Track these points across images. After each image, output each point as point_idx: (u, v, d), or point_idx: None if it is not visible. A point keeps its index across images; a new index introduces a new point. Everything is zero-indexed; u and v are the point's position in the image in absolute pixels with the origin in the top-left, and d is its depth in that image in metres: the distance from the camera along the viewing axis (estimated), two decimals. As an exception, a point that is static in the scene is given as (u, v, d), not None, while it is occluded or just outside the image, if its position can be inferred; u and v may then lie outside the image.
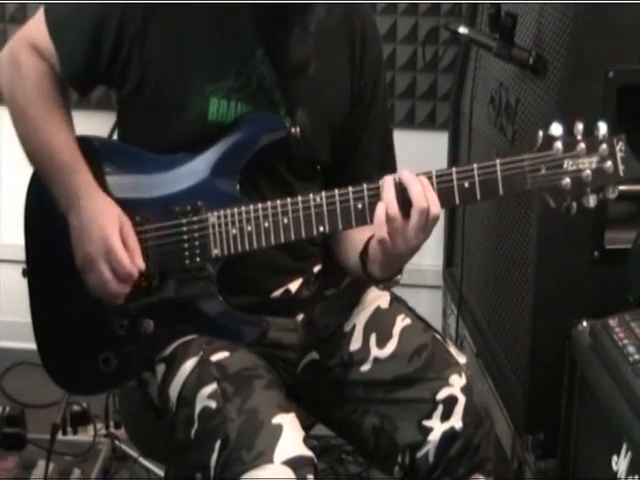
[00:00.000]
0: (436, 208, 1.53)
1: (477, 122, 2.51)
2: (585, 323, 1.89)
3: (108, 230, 1.61)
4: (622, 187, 2.01)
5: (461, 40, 2.41)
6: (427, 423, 1.68)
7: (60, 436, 2.55)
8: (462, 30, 2.23)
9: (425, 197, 1.52)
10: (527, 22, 2.14)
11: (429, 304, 2.98)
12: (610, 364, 1.74)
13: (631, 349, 1.71)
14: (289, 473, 1.49)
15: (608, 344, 1.75)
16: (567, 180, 1.55)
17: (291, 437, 1.53)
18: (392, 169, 1.84)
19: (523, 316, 2.11)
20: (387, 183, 1.55)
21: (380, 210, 1.53)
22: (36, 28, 1.69)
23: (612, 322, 1.79)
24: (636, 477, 1.61)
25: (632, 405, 1.64)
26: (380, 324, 1.79)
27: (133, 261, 1.61)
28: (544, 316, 2.01)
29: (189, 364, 1.65)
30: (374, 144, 1.82)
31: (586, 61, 1.88)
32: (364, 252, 1.65)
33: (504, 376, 2.26)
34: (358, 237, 1.69)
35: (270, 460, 1.49)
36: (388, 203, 1.53)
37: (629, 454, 1.64)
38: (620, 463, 1.67)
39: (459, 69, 2.72)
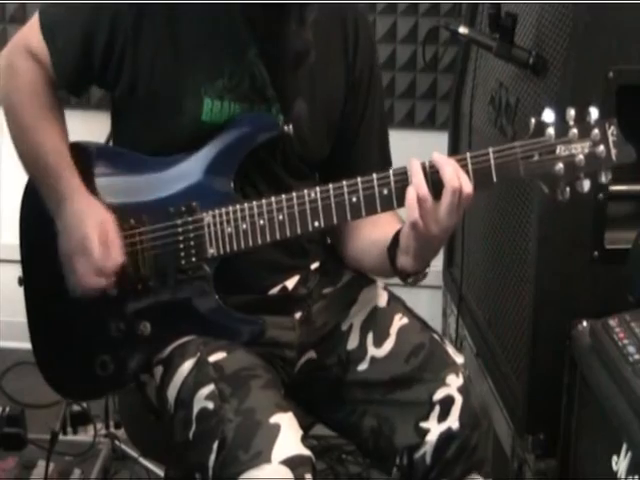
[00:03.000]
0: (469, 187, 1.53)
1: (477, 122, 2.50)
2: (585, 323, 1.89)
3: (88, 230, 1.61)
4: (622, 187, 2.03)
5: (461, 40, 2.40)
6: (424, 425, 1.68)
7: (60, 436, 2.55)
8: (462, 30, 2.22)
9: (458, 177, 1.52)
10: (527, 22, 2.14)
11: (429, 304, 2.98)
12: (610, 364, 1.74)
13: (631, 349, 1.71)
14: (287, 472, 1.49)
15: (608, 344, 1.75)
16: (560, 166, 1.55)
17: (289, 436, 1.52)
18: (388, 162, 1.85)
19: (523, 316, 2.10)
20: (415, 167, 1.55)
21: (411, 193, 1.53)
22: (31, 31, 1.70)
23: (612, 322, 1.78)
24: (636, 477, 1.61)
25: (632, 405, 1.64)
26: (377, 323, 1.79)
27: (108, 254, 1.61)
28: (544, 316, 2.01)
29: (186, 365, 1.65)
30: (373, 138, 1.82)
31: (586, 61, 1.88)
32: (392, 245, 1.65)
33: (504, 376, 2.26)
34: (376, 234, 1.70)
35: (268, 460, 1.49)
36: (418, 185, 1.53)
37: (629, 454, 1.64)
38: (620, 463, 1.67)
39: (459, 69, 2.72)
